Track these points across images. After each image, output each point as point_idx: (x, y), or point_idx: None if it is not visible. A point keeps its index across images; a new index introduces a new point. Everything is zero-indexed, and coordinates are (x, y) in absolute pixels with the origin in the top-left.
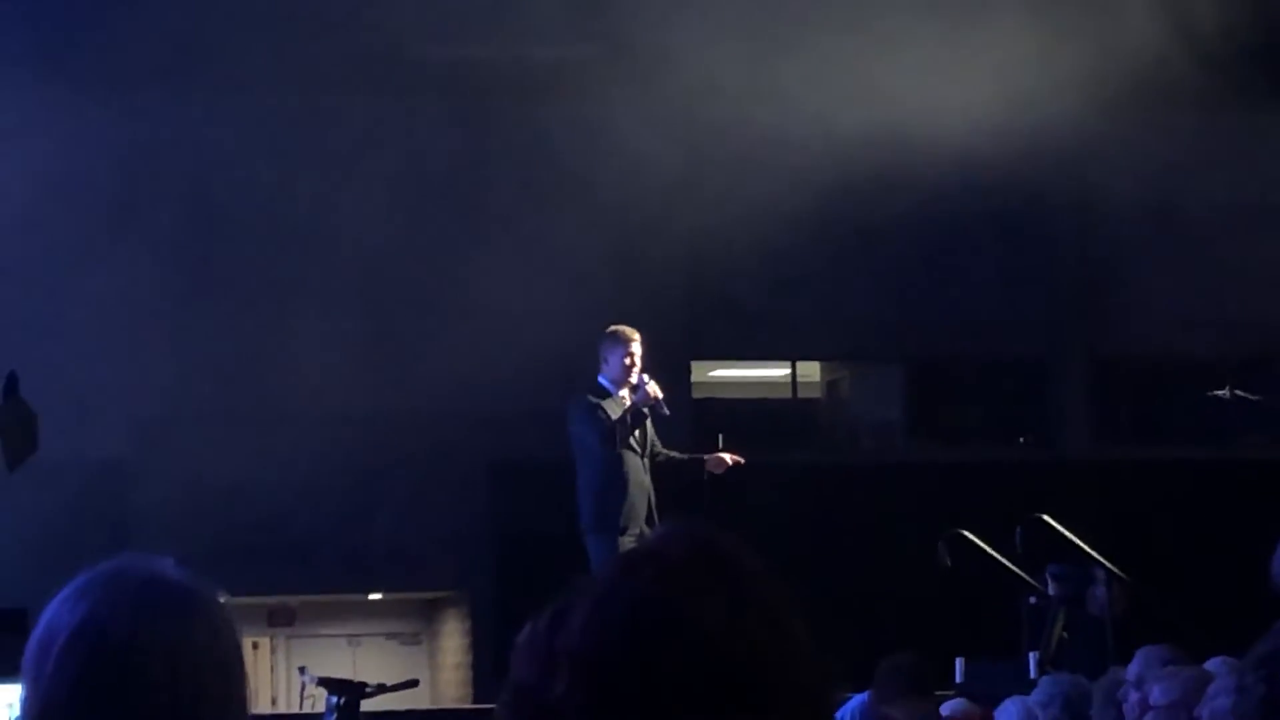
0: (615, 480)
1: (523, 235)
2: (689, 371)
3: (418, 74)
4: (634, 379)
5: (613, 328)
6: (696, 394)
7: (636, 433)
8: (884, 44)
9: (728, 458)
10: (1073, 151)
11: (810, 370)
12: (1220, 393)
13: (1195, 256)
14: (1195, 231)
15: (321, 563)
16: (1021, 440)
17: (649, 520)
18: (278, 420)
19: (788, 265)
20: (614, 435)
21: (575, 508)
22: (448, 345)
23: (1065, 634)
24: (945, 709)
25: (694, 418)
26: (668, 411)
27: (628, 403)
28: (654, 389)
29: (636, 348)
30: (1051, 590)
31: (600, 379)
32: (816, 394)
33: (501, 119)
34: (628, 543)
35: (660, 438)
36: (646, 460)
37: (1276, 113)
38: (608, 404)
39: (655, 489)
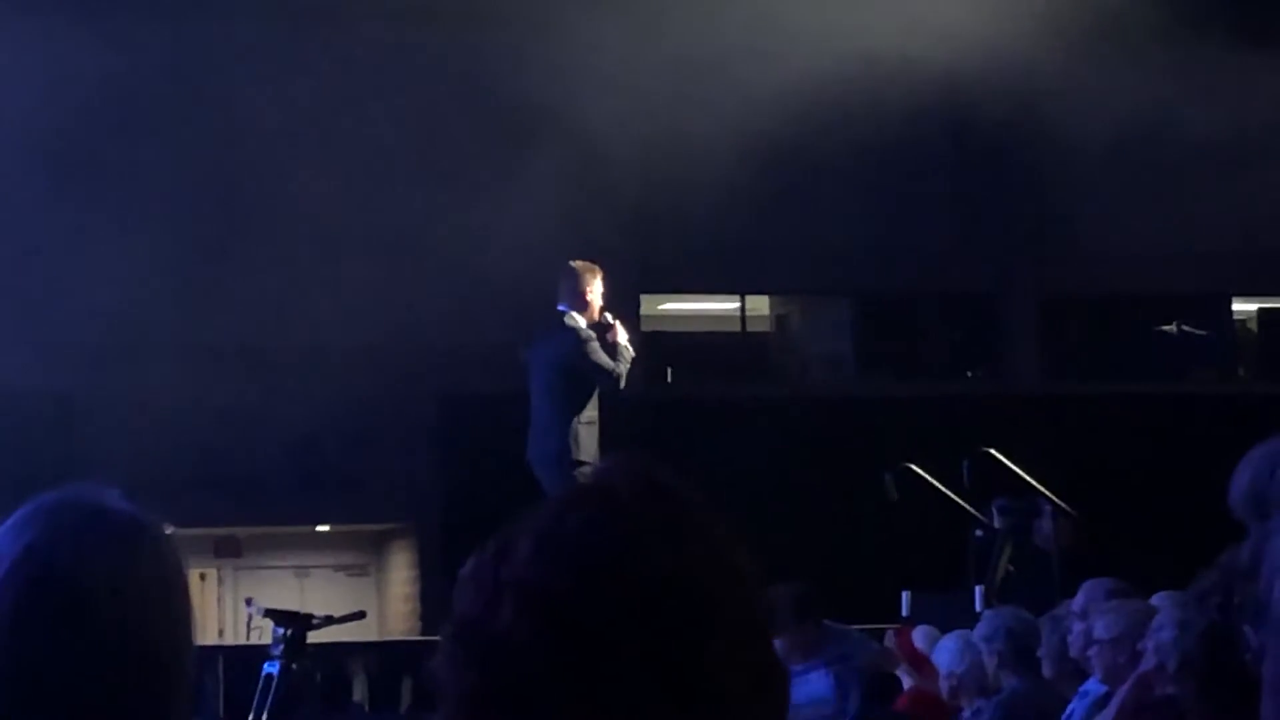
0: (594, 413)
1: (469, 171)
2: (638, 305)
3: (356, 3)
4: (598, 316)
5: (576, 262)
6: (645, 327)
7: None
8: None
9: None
10: (1027, 87)
11: (759, 304)
12: (1168, 328)
13: (1145, 194)
14: (1146, 169)
15: (269, 495)
16: (970, 374)
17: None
18: (226, 353)
19: (737, 200)
20: (617, 372)
21: (533, 437)
22: (396, 280)
23: (1011, 567)
24: (916, 636)
25: (643, 351)
26: (633, 352)
27: (592, 335)
28: (621, 332)
29: (599, 283)
30: (998, 523)
31: (562, 309)
32: (766, 328)
33: (448, 51)
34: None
35: None
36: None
37: (1226, 51)
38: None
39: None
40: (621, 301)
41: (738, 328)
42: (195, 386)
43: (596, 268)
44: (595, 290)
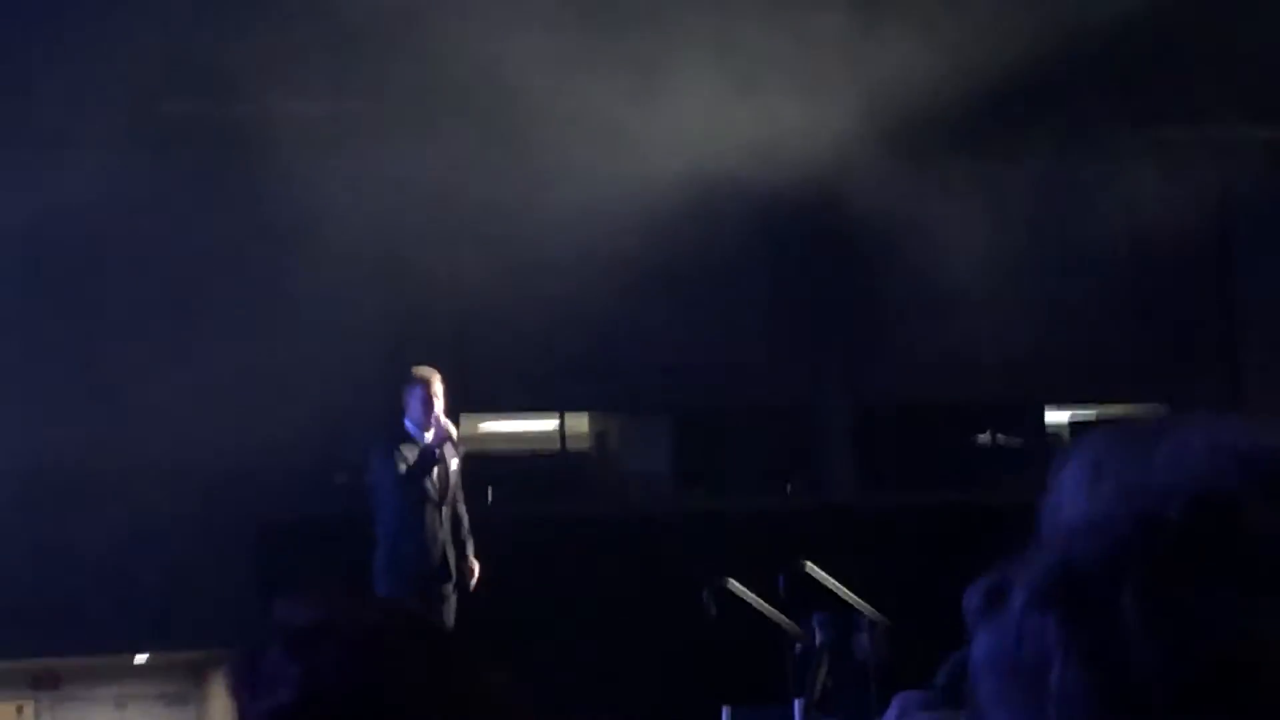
0: (408, 526)
1: (289, 291)
2: (457, 424)
3: (175, 129)
4: (431, 420)
5: (413, 368)
6: (467, 447)
7: (436, 479)
8: (651, 86)
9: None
10: (836, 195)
11: (578, 422)
12: (982, 438)
13: (953, 301)
14: (954, 277)
15: (85, 625)
16: (788, 488)
17: (442, 569)
18: (40, 478)
19: (554, 315)
20: (409, 478)
21: (351, 563)
22: (213, 402)
23: (830, 681)
24: None
25: (464, 470)
26: (461, 448)
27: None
28: (448, 426)
29: (436, 386)
30: (817, 637)
31: (405, 423)
32: (585, 445)
33: (262, 174)
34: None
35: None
36: (446, 509)
37: (1034, 159)
38: (407, 449)
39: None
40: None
41: (557, 446)
42: (5, 514)
43: (427, 371)
44: (423, 395)
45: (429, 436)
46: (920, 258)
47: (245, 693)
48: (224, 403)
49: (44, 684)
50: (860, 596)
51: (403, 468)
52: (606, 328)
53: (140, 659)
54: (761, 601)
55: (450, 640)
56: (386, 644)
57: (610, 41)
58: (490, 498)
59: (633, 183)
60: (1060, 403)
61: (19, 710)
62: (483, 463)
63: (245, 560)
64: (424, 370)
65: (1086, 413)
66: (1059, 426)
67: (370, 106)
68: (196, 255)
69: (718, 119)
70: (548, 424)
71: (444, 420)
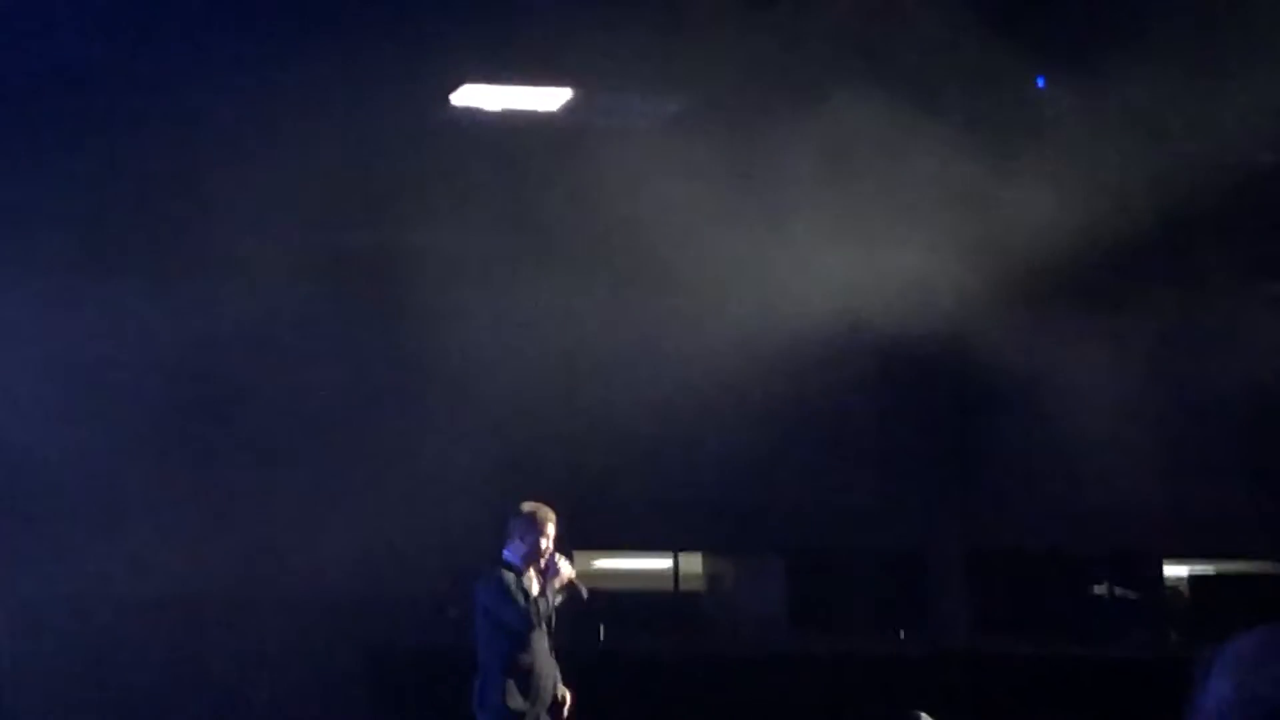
0: (526, 660)
1: (412, 422)
2: (571, 561)
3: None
4: (544, 560)
5: (529, 506)
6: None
7: (543, 613)
8: (761, 234)
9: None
10: (957, 342)
11: (692, 562)
12: (1099, 589)
13: (1072, 450)
14: (1071, 427)
15: None
16: (901, 634)
17: (552, 702)
18: (161, 604)
19: (669, 456)
20: (535, 613)
21: (461, 694)
22: (325, 530)
23: None
24: None
25: (575, 608)
26: (586, 594)
27: (534, 581)
28: (568, 570)
29: (552, 529)
30: None
31: (507, 555)
32: (698, 585)
33: (398, 307)
34: None
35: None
36: (552, 641)
37: (1155, 311)
38: (524, 581)
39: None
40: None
41: (671, 585)
42: (127, 639)
43: (548, 511)
44: (540, 534)
45: (531, 572)
46: (1039, 406)
47: None
48: (339, 532)
49: None
50: None
51: (525, 604)
52: (722, 468)
53: None
54: None
55: None
56: None
57: (744, 193)
58: (603, 635)
59: (753, 325)
60: (1180, 557)
61: None
62: (595, 600)
63: (357, 689)
64: (544, 510)
65: (1206, 568)
66: (1178, 580)
67: (505, 242)
68: (329, 384)
69: (841, 265)
70: (662, 563)
71: (563, 561)
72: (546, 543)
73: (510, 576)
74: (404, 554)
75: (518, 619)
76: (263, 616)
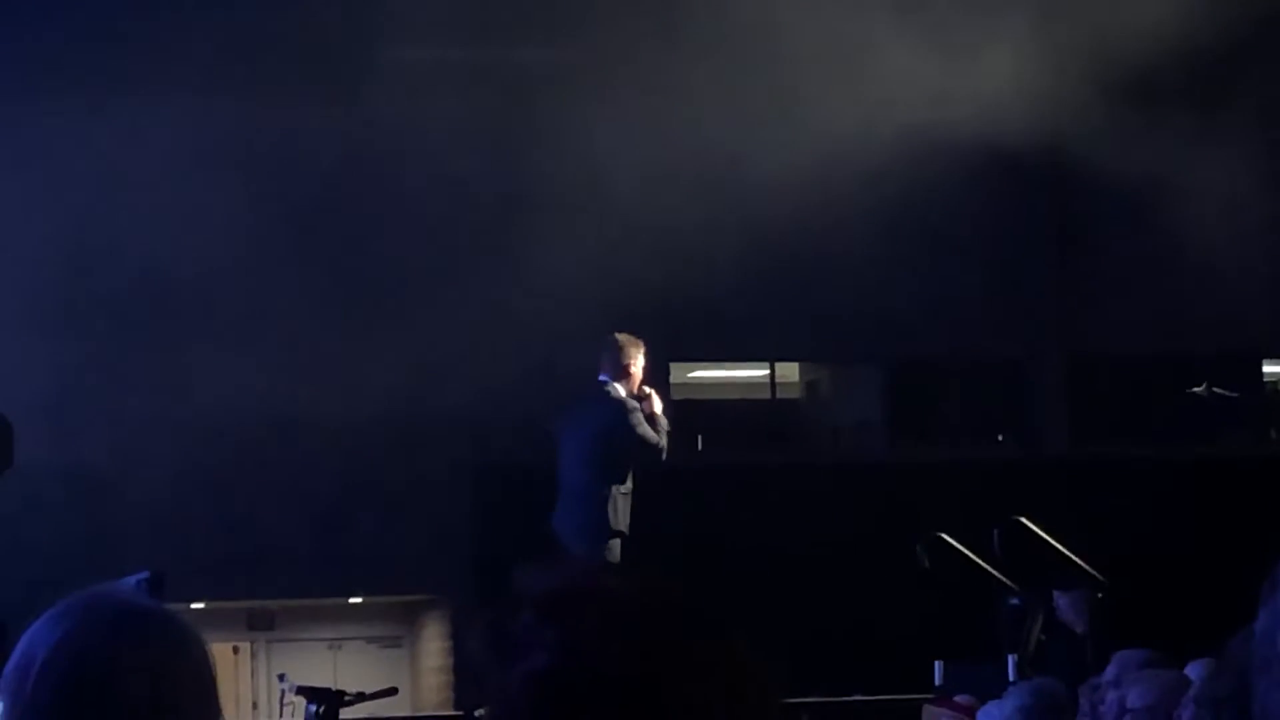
0: (630, 483)
1: (499, 240)
2: (668, 373)
3: (392, 79)
4: (638, 388)
5: (620, 335)
6: (675, 395)
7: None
8: (860, 43)
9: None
10: (1053, 150)
11: (789, 371)
12: (1198, 390)
13: (1172, 255)
14: (1172, 231)
15: (302, 567)
16: (1000, 439)
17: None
18: (258, 428)
19: (766, 265)
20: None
21: (565, 507)
22: (428, 353)
23: (1044, 637)
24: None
25: (673, 419)
26: (668, 424)
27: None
28: (656, 403)
29: (642, 359)
30: (1030, 593)
31: (604, 379)
32: (795, 394)
33: (478, 124)
34: (614, 546)
35: None
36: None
37: (1261, 113)
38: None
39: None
40: (651, 369)
41: (768, 394)
42: (226, 463)
43: (639, 341)
44: (638, 363)
45: (624, 393)
46: (1140, 210)
47: (494, 654)
48: (438, 353)
49: (259, 625)
50: (1073, 552)
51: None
52: (819, 277)
53: (354, 602)
54: (974, 556)
55: (702, 609)
56: (645, 612)
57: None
58: (699, 445)
59: (852, 133)
60: (1278, 356)
61: (235, 650)
62: (692, 411)
63: (458, 505)
64: (634, 339)
65: None
66: (1277, 378)
67: (598, 53)
68: (436, 208)
69: (941, 71)
70: (758, 372)
71: (652, 394)
72: (637, 371)
73: (631, 401)
74: (502, 373)
75: (646, 445)
76: (363, 438)
